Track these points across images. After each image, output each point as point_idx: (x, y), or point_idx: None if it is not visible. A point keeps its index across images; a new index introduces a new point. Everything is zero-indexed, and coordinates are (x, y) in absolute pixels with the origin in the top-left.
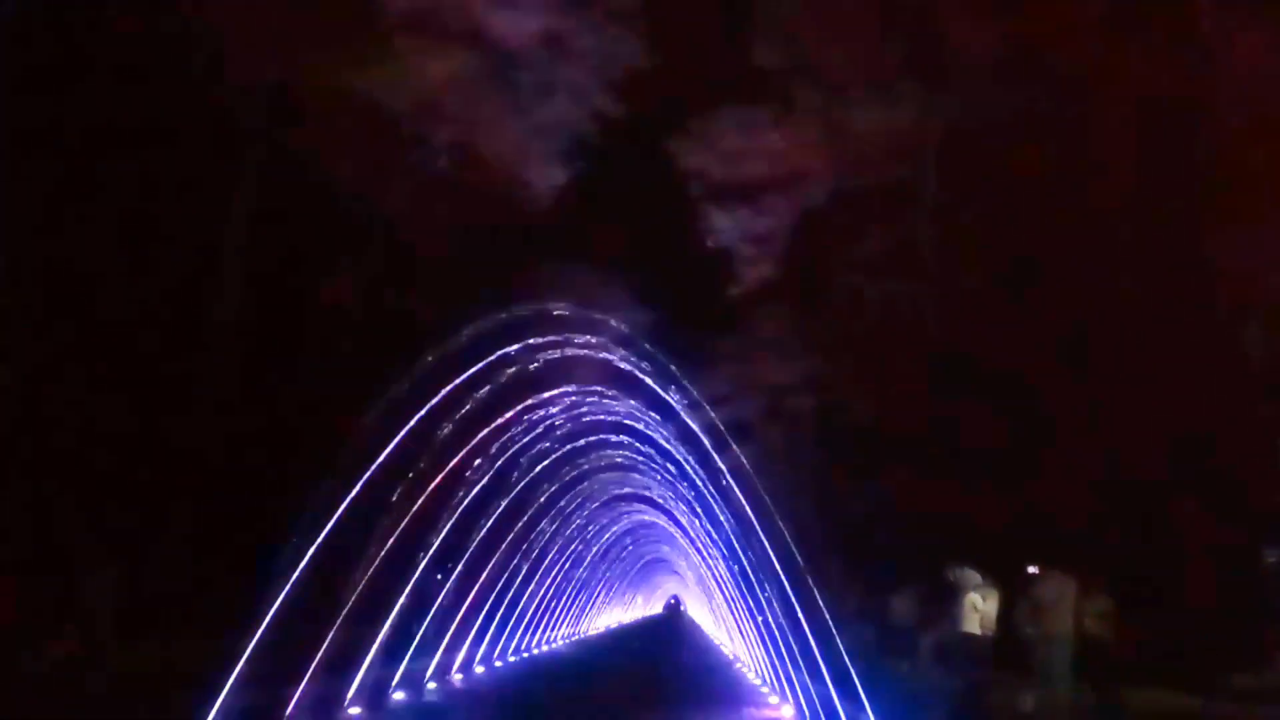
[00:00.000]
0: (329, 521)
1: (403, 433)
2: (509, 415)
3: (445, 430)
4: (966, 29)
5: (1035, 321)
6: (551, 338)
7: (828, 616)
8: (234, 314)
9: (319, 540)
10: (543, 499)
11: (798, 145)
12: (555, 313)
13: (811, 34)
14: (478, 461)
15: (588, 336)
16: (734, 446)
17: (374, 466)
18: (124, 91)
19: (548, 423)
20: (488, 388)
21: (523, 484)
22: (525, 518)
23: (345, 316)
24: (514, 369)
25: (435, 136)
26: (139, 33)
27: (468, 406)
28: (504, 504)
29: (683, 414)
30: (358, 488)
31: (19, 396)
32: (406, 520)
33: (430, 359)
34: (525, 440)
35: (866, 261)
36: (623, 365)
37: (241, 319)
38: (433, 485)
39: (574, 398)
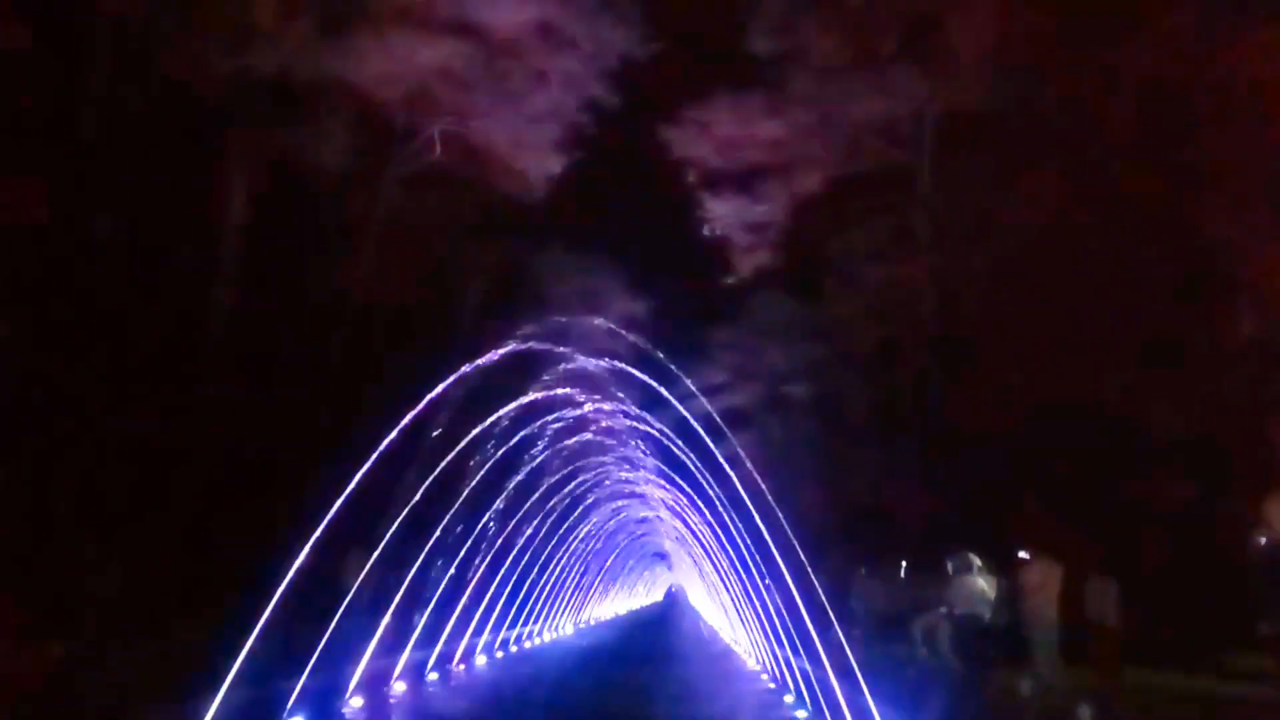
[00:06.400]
0: (328, 515)
1: (400, 430)
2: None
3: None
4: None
5: (1033, 306)
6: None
7: (824, 602)
8: (230, 309)
9: (318, 533)
10: (543, 489)
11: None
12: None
13: (807, 19)
14: (477, 457)
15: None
16: (731, 436)
17: (372, 462)
18: (109, 84)
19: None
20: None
21: (523, 476)
22: (525, 510)
23: (340, 312)
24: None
25: (427, 127)
26: (122, 24)
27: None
28: (503, 501)
29: (679, 405)
30: (356, 481)
31: (16, 393)
32: (406, 511)
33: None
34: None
35: (864, 247)
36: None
37: (238, 314)
38: (432, 478)
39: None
